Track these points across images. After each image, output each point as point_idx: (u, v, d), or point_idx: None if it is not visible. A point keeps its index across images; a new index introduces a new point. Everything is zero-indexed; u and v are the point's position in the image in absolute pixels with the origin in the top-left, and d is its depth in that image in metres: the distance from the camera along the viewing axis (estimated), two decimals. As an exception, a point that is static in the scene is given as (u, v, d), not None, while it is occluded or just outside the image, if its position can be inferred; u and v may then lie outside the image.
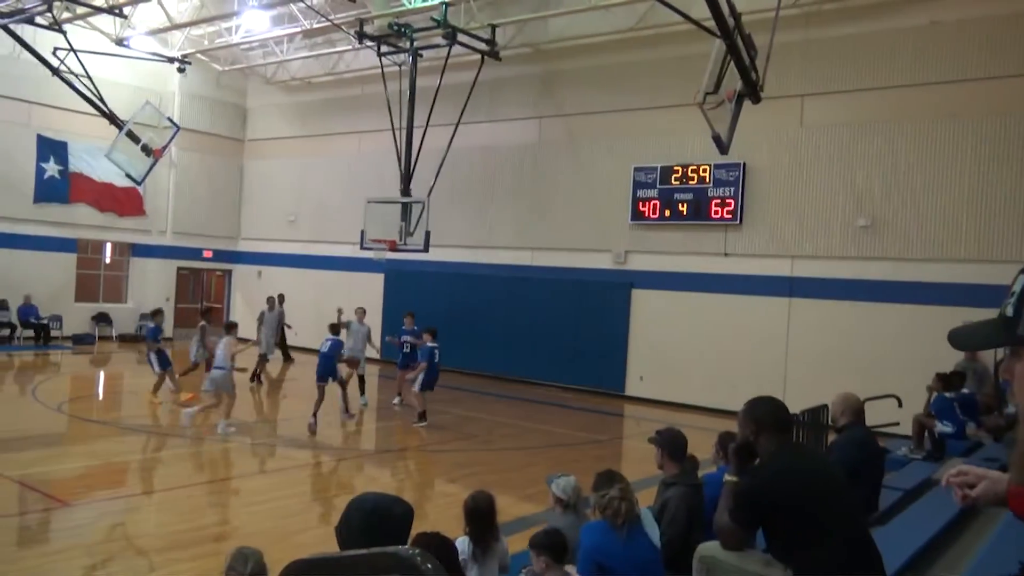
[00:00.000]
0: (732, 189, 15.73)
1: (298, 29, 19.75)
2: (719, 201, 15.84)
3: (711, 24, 9.83)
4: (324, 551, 2.23)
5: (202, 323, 14.79)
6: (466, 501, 4.64)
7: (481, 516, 4.54)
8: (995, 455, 7.84)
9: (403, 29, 16.94)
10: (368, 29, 17.47)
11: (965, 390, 10.23)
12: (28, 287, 20.48)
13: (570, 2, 16.77)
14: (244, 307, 24.79)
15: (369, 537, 2.20)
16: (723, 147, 10.65)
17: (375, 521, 2.29)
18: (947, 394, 9.77)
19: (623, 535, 4.17)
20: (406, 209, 16.85)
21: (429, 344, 13.11)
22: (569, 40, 17.96)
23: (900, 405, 10.69)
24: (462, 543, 4.42)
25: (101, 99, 18.74)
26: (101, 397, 15.78)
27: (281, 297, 18.82)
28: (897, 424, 10.58)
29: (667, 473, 5.13)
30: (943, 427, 9.49)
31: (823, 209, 14.88)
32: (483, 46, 17.10)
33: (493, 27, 17.15)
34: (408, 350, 14.35)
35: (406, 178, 17.33)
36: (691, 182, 16.19)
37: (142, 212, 23.28)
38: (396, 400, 14.52)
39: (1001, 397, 11.02)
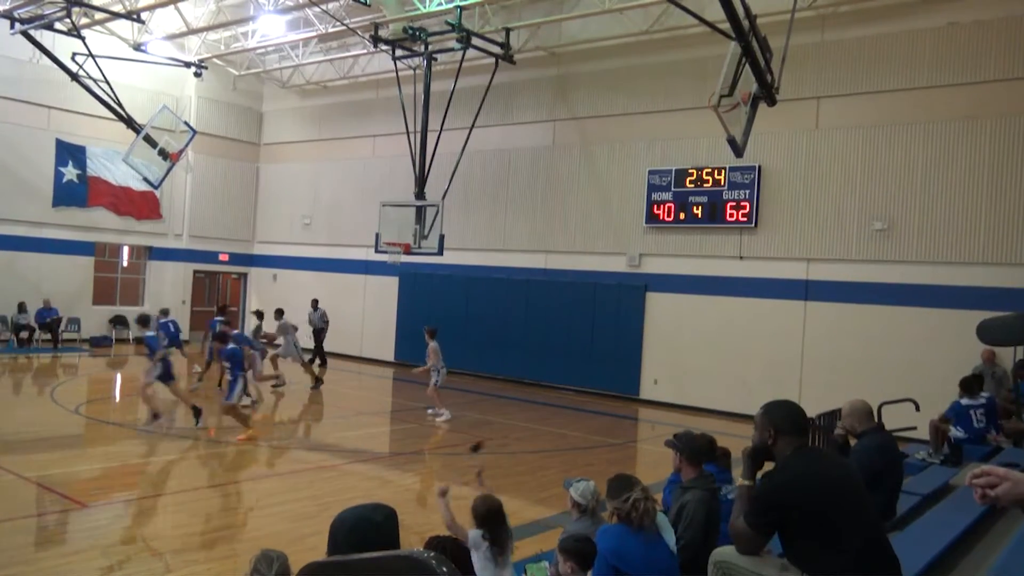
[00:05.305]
0: (747, 192, 15.66)
1: (313, 33, 19.86)
2: (734, 204, 15.78)
3: (726, 26, 9.81)
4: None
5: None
6: (476, 505, 4.54)
7: (495, 517, 4.49)
8: (1014, 460, 7.74)
9: (418, 33, 17.01)
10: (383, 33, 17.55)
11: (984, 394, 10.13)
12: (46, 290, 20.69)
13: (584, 5, 16.77)
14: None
15: (360, 551, 2.16)
16: (738, 150, 10.63)
17: (361, 534, 2.26)
18: (963, 400, 9.69)
19: (640, 539, 4.15)
20: (420, 212, 16.90)
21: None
22: (583, 43, 17.95)
23: (917, 409, 10.57)
24: (475, 536, 4.40)
25: (119, 103, 18.98)
26: (118, 399, 15.89)
27: (314, 303, 19.30)
28: (915, 428, 10.49)
29: (685, 477, 5.11)
30: (957, 432, 9.42)
31: (839, 212, 14.79)
32: (497, 50, 17.14)
33: (507, 31, 17.20)
34: None
35: (420, 181, 17.39)
36: (706, 185, 16.13)
37: (159, 215, 23.50)
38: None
39: (1019, 401, 10.91)
